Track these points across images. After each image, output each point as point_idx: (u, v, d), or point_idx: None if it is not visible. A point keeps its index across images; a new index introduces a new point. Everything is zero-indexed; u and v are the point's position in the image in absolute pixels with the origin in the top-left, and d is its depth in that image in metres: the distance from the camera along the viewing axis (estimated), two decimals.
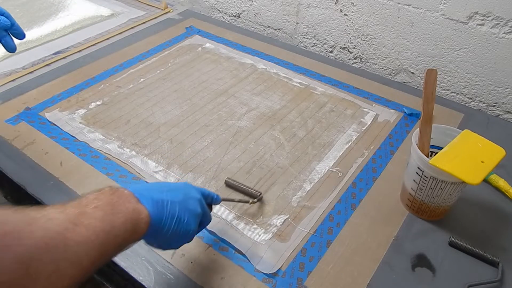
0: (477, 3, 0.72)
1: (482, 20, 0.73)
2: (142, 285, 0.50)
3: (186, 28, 1.03)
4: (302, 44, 1.03)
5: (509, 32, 0.72)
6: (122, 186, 0.41)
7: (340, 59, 0.98)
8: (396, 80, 0.91)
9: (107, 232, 0.35)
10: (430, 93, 0.52)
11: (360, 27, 0.89)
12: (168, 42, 0.98)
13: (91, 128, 0.72)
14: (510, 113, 0.79)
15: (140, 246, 0.54)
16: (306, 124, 0.74)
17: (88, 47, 0.96)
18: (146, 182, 0.62)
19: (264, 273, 0.51)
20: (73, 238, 0.33)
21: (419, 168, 0.53)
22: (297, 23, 1.00)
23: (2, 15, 0.66)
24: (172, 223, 0.42)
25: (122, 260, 0.52)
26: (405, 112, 0.76)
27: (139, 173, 0.64)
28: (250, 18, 1.09)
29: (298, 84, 0.84)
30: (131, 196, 0.40)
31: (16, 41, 0.94)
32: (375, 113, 0.77)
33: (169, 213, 0.42)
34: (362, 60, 0.94)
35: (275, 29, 1.05)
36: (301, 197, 0.60)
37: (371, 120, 0.75)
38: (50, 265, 0.31)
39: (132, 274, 0.51)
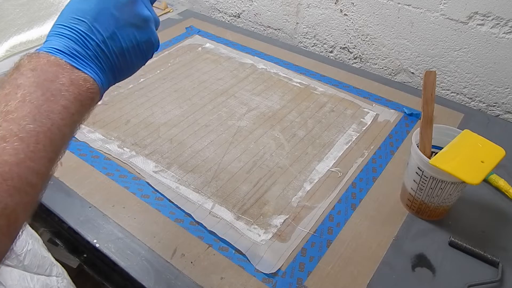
0: (477, 3, 0.72)
1: (482, 20, 0.73)
2: (142, 285, 0.50)
3: (186, 28, 1.03)
4: (302, 44, 1.03)
5: (509, 32, 0.72)
6: (41, 50, 0.31)
7: (340, 59, 0.98)
8: (396, 80, 0.91)
9: (48, 130, 0.28)
10: (430, 95, 0.52)
11: (360, 27, 0.89)
12: (168, 42, 0.98)
13: (91, 128, 0.72)
14: (510, 113, 0.79)
15: (140, 246, 0.54)
16: (306, 124, 0.74)
17: None
18: (146, 182, 0.62)
19: (264, 273, 0.51)
20: (5, 158, 0.25)
21: (419, 168, 0.53)
22: (297, 23, 1.00)
23: None
24: (128, 63, 0.35)
25: (122, 260, 0.52)
26: (405, 112, 0.76)
27: (139, 173, 0.64)
28: (250, 18, 1.09)
29: (298, 84, 0.84)
30: (60, 63, 0.31)
31: (16, 40, 0.95)
32: (375, 113, 0.77)
33: (117, 56, 0.34)
34: (362, 60, 0.94)
35: (275, 29, 1.05)
36: (301, 197, 0.60)
37: (371, 120, 0.75)
38: None
39: (132, 274, 0.51)
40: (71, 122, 0.30)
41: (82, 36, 0.32)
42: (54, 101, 0.29)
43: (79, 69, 0.31)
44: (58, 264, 0.63)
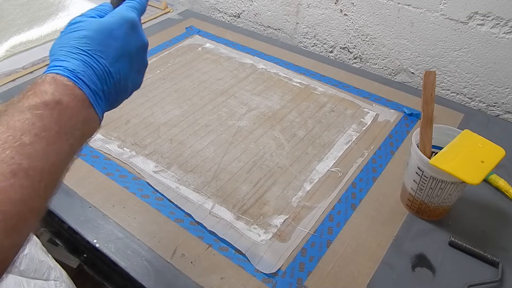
0: (477, 3, 0.72)
1: (482, 20, 0.73)
2: (142, 285, 0.50)
3: (186, 28, 1.03)
4: (302, 44, 1.03)
5: (509, 32, 0.72)
6: (68, 76, 0.30)
7: (340, 59, 0.98)
8: (396, 80, 0.91)
9: (51, 168, 0.28)
10: (430, 95, 0.52)
11: (360, 27, 0.89)
12: (168, 42, 0.98)
13: None
14: (510, 113, 0.79)
15: (140, 246, 0.54)
16: (306, 124, 0.74)
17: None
18: (146, 182, 0.62)
19: (264, 273, 0.51)
20: (10, 196, 0.25)
21: (419, 168, 0.53)
22: (297, 23, 1.00)
23: None
24: (119, 102, 0.36)
25: (122, 260, 0.52)
26: (405, 112, 0.76)
27: (139, 173, 0.64)
28: (250, 18, 1.09)
29: (298, 84, 0.84)
30: (83, 99, 0.30)
31: (16, 40, 0.95)
32: (375, 113, 0.77)
33: (120, 96, 0.35)
34: (362, 60, 0.94)
35: (275, 29, 1.05)
36: (301, 197, 0.60)
37: (371, 120, 0.75)
38: None
39: (132, 274, 0.51)
40: (71, 158, 0.30)
41: (106, 72, 0.32)
42: (65, 139, 0.29)
43: (94, 108, 0.31)
44: (58, 266, 0.62)
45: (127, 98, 0.38)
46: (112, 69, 0.33)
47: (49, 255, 0.63)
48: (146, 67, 0.38)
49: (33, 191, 0.26)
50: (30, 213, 0.26)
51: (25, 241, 0.27)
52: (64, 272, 0.63)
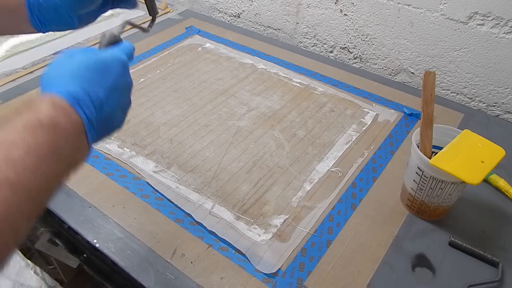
0: (477, 3, 0.72)
1: (482, 20, 0.73)
2: (142, 285, 0.50)
3: (186, 28, 1.03)
4: (302, 44, 1.03)
5: (509, 32, 0.72)
6: (63, 99, 0.31)
7: (340, 59, 0.98)
8: (396, 80, 0.91)
9: (38, 185, 0.27)
10: (429, 95, 0.52)
11: (360, 27, 0.89)
12: (168, 42, 0.98)
13: None
14: (510, 113, 0.79)
15: (140, 246, 0.54)
16: (306, 124, 0.74)
17: (88, 47, 0.96)
18: (146, 182, 0.62)
19: (264, 273, 0.51)
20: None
21: (419, 168, 0.53)
22: (297, 23, 1.00)
23: None
24: (112, 127, 0.37)
25: (122, 260, 0.52)
26: (405, 112, 0.76)
27: (139, 173, 0.64)
28: (250, 18, 1.09)
29: (298, 84, 0.84)
30: (80, 129, 0.31)
31: (16, 40, 0.95)
32: (375, 113, 0.77)
33: (110, 125, 0.36)
34: (362, 60, 0.94)
35: (275, 29, 1.05)
36: (301, 197, 0.60)
37: (371, 120, 0.75)
38: None
39: (132, 274, 0.51)
40: (58, 185, 0.30)
41: (101, 102, 0.33)
42: (56, 161, 0.28)
43: (87, 137, 0.32)
44: None
45: (108, 136, 0.39)
46: (105, 100, 0.33)
47: None
48: (130, 106, 0.39)
49: (17, 208, 0.25)
50: (9, 230, 0.25)
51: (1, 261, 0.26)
52: None
